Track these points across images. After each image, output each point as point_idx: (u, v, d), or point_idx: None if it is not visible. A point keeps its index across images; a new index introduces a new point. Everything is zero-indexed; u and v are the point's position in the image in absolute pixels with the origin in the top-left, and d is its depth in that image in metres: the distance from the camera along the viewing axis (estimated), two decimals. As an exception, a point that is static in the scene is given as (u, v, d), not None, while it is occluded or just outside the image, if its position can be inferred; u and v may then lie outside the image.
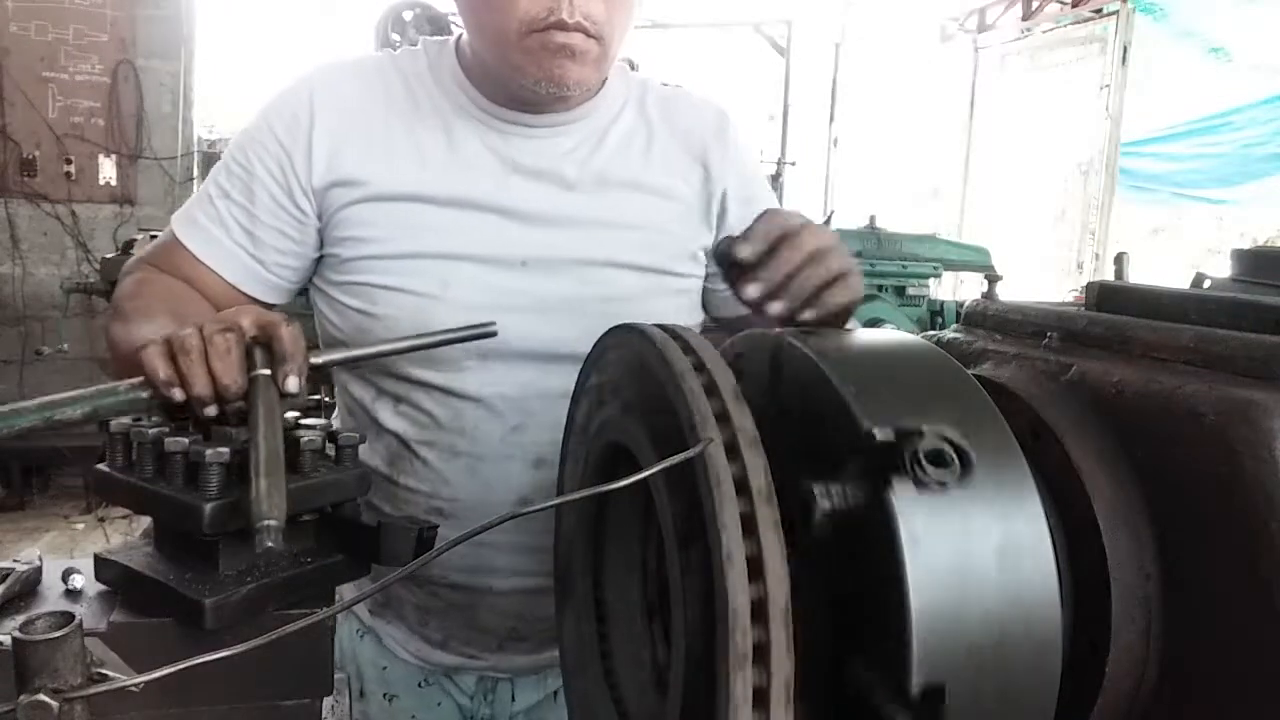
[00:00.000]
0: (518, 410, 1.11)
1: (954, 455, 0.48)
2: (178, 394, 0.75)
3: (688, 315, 1.21)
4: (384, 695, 1.24)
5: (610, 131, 1.16)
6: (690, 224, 1.19)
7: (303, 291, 1.22)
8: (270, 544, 0.64)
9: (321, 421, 0.83)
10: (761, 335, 0.65)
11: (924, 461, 0.47)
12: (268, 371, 0.77)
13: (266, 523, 0.65)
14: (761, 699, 0.45)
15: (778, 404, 0.60)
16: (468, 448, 1.12)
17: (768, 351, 0.62)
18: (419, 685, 1.24)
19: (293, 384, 0.78)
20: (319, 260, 1.16)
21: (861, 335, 0.67)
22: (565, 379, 1.12)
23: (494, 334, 0.98)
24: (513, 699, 1.25)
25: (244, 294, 1.13)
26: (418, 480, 1.14)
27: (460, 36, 1.16)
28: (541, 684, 1.25)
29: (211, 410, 0.76)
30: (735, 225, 1.21)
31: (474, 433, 1.12)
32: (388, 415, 1.15)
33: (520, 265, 1.10)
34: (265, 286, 1.14)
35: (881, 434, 0.49)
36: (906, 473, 0.47)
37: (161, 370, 0.75)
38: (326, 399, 3.20)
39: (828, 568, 0.51)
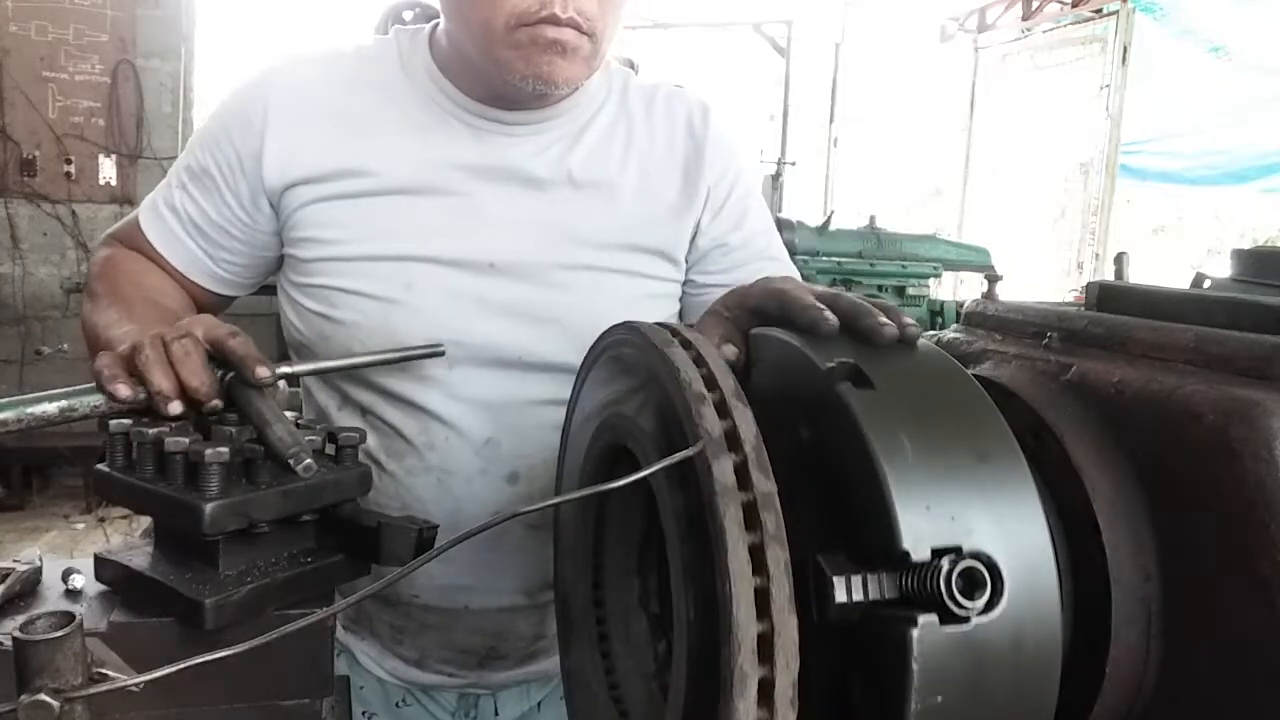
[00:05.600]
0: (489, 423, 1.06)
1: None
2: (149, 403, 0.76)
3: (666, 318, 1.15)
4: (363, 713, 1.19)
5: (588, 130, 1.12)
6: (670, 224, 1.14)
7: (271, 290, 1.19)
8: (311, 465, 0.73)
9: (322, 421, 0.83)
10: (775, 339, 0.64)
11: None
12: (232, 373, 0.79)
13: (296, 451, 0.72)
14: (766, 694, 0.45)
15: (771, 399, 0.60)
16: (437, 462, 1.07)
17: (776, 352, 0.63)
18: (396, 705, 1.19)
19: (263, 371, 0.78)
20: (282, 259, 1.12)
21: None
22: (539, 388, 1.06)
23: (441, 354, 0.97)
24: (495, 713, 1.20)
25: (195, 284, 1.12)
26: (386, 497, 1.08)
27: (435, 26, 1.11)
28: (525, 696, 1.21)
29: (176, 408, 0.76)
30: (716, 221, 1.17)
31: (444, 447, 1.06)
32: (357, 427, 1.10)
33: (488, 268, 1.05)
34: (215, 280, 1.13)
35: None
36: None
37: (122, 389, 0.76)
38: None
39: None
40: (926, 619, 0.46)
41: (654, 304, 1.15)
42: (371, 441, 1.08)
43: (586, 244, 1.09)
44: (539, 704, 1.22)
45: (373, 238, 1.04)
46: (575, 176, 1.09)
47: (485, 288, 1.05)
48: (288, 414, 0.84)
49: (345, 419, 1.10)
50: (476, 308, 1.04)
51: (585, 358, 0.73)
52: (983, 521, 0.49)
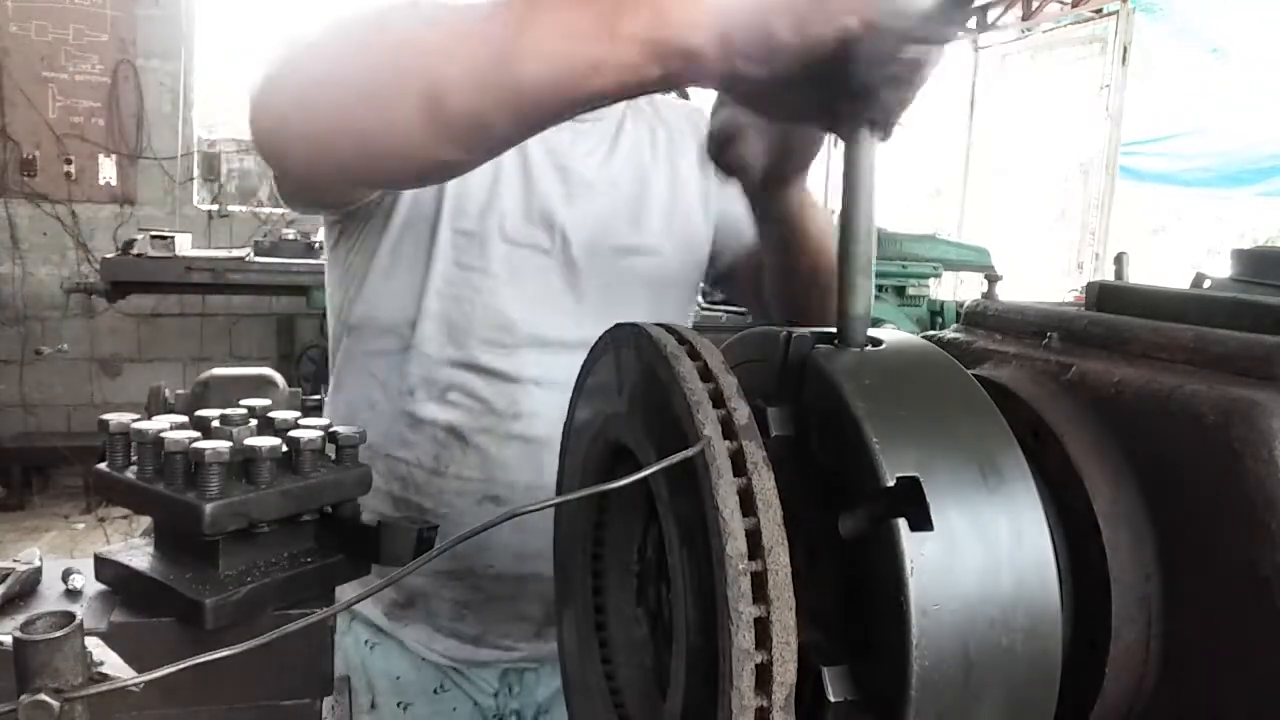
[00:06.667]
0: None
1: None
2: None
3: (694, 305, 1.34)
4: (398, 704, 1.23)
5: (622, 133, 1.23)
6: (696, 218, 1.27)
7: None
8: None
9: (322, 421, 0.83)
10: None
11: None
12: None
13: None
14: (765, 699, 0.45)
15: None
16: (523, 431, 1.14)
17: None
18: (434, 692, 1.23)
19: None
20: (345, 229, 1.15)
21: None
22: None
23: None
24: (538, 686, 1.26)
25: None
26: (470, 469, 1.15)
27: None
28: (558, 672, 1.25)
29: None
30: (723, 227, 1.30)
31: (530, 417, 1.14)
32: (431, 407, 1.15)
33: (571, 255, 1.15)
34: None
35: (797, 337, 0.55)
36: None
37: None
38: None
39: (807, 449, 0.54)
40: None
41: (691, 293, 1.30)
42: (457, 418, 1.14)
43: (641, 234, 1.20)
44: None
45: (500, 218, 1.12)
46: (617, 175, 1.20)
47: (570, 275, 1.16)
48: (289, 414, 0.84)
49: (422, 402, 1.15)
50: (563, 293, 1.15)
51: (587, 356, 0.73)
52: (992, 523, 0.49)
